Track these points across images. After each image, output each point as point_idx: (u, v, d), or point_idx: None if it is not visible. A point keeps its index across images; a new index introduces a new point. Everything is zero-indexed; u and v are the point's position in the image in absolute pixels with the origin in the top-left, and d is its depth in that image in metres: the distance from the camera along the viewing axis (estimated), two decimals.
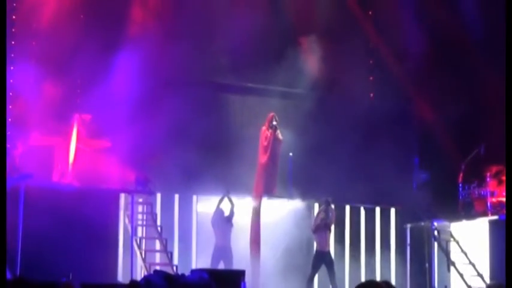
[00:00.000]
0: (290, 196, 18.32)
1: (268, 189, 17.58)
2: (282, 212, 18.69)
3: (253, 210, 17.57)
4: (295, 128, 18.14)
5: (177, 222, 17.98)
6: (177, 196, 17.95)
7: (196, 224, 18.09)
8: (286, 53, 18.52)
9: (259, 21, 18.01)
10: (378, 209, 19.62)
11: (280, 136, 17.49)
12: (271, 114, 17.60)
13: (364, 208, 19.56)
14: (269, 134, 17.47)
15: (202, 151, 17.19)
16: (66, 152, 16.54)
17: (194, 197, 18.12)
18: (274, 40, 18.62)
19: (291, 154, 18.01)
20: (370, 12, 20.22)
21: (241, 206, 17.85)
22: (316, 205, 18.42)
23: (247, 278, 14.61)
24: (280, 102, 19.16)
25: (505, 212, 17.21)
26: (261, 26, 18.01)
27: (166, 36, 17.56)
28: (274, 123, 17.44)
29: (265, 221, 17.78)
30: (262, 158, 17.45)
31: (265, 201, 17.77)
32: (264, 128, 17.57)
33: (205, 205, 18.02)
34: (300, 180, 18.30)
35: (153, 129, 17.12)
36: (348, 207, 19.46)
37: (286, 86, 19.27)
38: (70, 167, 16.47)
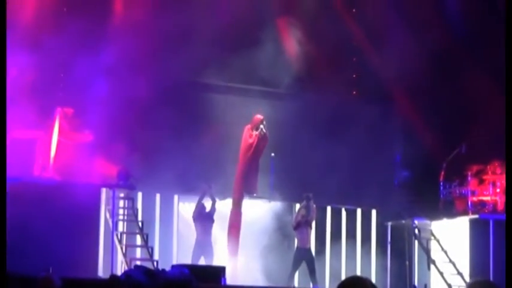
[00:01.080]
0: (271, 197, 18.28)
1: (249, 188, 17.53)
2: (262, 209, 18.67)
3: (233, 206, 17.53)
4: (277, 127, 18.06)
5: (158, 217, 17.96)
6: (158, 195, 17.97)
7: (178, 219, 18.09)
8: (268, 52, 18.43)
9: (241, 17, 17.97)
10: (359, 210, 19.69)
11: (267, 134, 17.38)
12: (260, 117, 17.41)
13: (346, 209, 19.61)
14: (253, 135, 17.36)
15: (184, 151, 17.12)
16: (47, 145, 16.47)
17: (175, 196, 18.14)
18: (256, 39, 18.50)
19: (272, 154, 17.98)
20: (353, 10, 20.23)
21: (224, 205, 17.81)
22: (297, 205, 18.39)
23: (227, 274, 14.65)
24: (261, 102, 19.00)
25: (486, 211, 17.33)
26: (241, 22, 17.98)
27: (148, 34, 17.48)
28: (261, 126, 17.30)
29: (245, 217, 17.76)
30: (244, 156, 17.38)
31: (245, 200, 17.73)
32: (248, 126, 17.46)
33: (187, 208, 18.00)
34: (281, 181, 18.27)
35: (134, 123, 17.09)
36: (329, 208, 19.50)
37: (267, 86, 19.18)
38: (51, 160, 16.41)
